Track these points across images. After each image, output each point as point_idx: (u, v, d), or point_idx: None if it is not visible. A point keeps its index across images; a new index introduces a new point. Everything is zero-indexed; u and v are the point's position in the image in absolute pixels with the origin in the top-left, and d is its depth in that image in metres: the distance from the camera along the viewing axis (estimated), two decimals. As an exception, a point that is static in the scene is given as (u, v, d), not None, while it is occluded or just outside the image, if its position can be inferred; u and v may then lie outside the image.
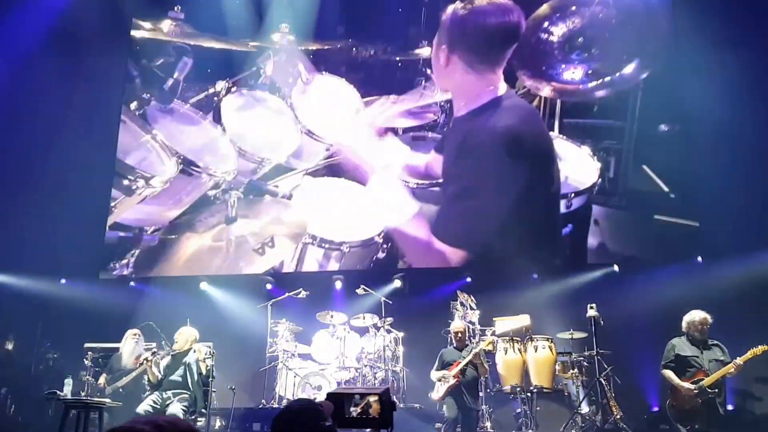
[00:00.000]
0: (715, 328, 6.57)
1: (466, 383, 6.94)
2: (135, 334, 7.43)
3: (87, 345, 7.81)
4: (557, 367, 7.56)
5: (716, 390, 6.21)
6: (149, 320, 7.64)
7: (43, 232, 9.67)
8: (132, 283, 9.84)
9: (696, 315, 6.56)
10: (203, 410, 6.68)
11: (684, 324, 6.61)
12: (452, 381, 6.85)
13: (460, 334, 7.31)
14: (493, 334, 7.91)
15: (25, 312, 9.24)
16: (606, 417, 6.92)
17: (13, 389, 8.31)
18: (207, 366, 6.61)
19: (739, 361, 6.17)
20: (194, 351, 6.75)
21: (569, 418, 7.24)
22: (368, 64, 10.09)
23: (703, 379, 6.25)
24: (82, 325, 8.67)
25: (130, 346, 7.39)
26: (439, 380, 7.01)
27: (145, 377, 6.86)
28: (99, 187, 9.93)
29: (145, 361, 6.74)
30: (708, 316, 6.52)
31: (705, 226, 8.49)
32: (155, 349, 7.20)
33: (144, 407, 6.37)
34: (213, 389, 6.91)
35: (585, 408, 7.31)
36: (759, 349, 6.14)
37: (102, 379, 7.26)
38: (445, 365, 7.14)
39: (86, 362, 7.49)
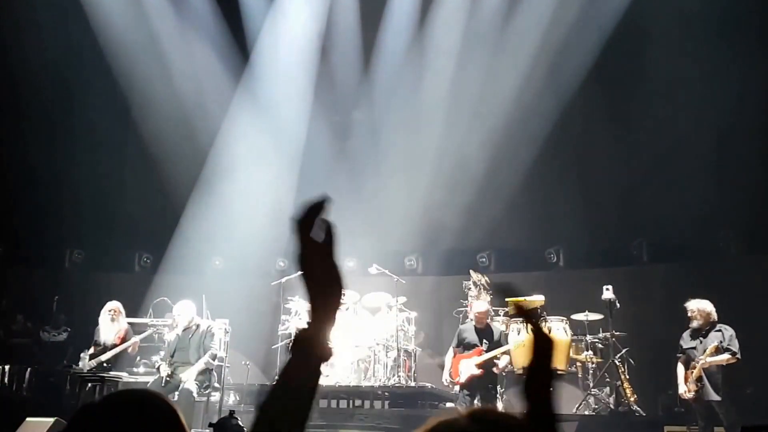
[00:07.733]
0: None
1: (489, 372, 6.86)
2: (110, 310, 7.31)
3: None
4: (571, 349, 7.51)
5: (701, 384, 5.96)
6: (163, 296, 7.66)
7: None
8: (146, 259, 9.88)
9: (687, 304, 6.20)
10: (216, 384, 6.73)
11: None
12: (477, 371, 6.73)
13: (480, 316, 7.02)
14: (506, 314, 7.87)
15: (41, 286, 9.31)
16: (619, 399, 6.88)
17: (30, 363, 8.38)
18: (216, 338, 6.66)
19: (702, 361, 5.91)
20: (198, 326, 6.70)
21: (582, 399, 7.22)
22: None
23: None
24: (98, 300, 8.71)
25: (106, 322, 7.30)
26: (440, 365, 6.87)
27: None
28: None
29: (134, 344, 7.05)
30: (691, 305, 6.11)
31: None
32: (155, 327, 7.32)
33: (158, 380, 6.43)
34: (227, 365, 6.94)
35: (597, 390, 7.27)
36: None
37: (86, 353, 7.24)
38: (463, 344, 7.00)
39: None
